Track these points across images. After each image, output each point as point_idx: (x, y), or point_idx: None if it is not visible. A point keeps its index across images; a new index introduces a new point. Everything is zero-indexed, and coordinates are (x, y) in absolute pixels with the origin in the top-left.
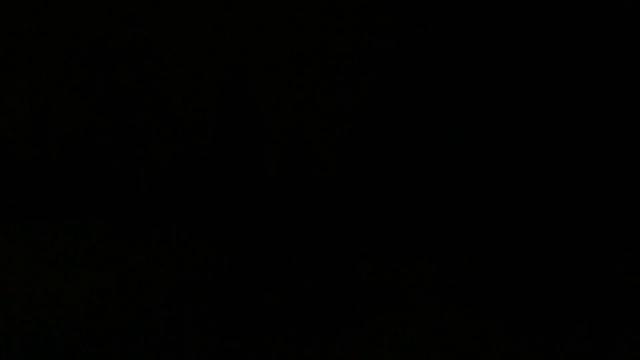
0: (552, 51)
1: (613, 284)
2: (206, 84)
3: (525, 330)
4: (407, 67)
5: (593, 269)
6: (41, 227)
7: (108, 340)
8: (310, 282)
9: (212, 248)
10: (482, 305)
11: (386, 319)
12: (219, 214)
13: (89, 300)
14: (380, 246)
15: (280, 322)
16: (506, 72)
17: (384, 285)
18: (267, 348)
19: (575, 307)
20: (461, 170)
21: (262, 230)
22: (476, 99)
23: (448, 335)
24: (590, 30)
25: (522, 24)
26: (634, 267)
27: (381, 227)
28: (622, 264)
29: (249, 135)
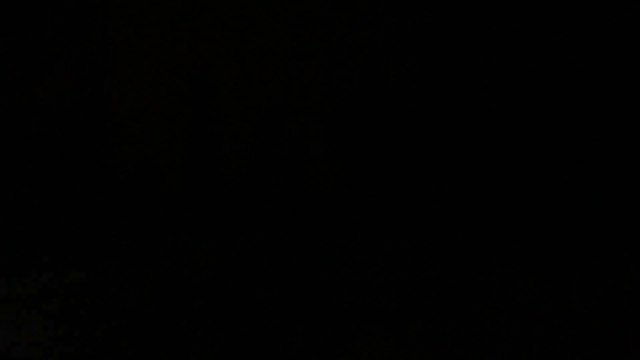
0: (552, 51)
1: (613, 284)
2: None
3: (523, 330)
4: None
5: (593, 269)
6: None
7: None
8: (298, 284)
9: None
10: (480, 308)
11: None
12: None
13: None
14: (371, 247)
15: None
16: (503, 71)
17: (375, 287)
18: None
19: (574, 307)
20: (457, 170)
21: (252, 233)
22: (470, 98)
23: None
24: (590, 30)
25: (521, 24)
26: (634, 267)
27: (371, 227)
28: (621, 265)
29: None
